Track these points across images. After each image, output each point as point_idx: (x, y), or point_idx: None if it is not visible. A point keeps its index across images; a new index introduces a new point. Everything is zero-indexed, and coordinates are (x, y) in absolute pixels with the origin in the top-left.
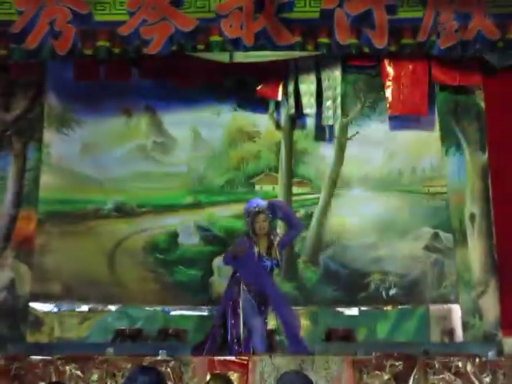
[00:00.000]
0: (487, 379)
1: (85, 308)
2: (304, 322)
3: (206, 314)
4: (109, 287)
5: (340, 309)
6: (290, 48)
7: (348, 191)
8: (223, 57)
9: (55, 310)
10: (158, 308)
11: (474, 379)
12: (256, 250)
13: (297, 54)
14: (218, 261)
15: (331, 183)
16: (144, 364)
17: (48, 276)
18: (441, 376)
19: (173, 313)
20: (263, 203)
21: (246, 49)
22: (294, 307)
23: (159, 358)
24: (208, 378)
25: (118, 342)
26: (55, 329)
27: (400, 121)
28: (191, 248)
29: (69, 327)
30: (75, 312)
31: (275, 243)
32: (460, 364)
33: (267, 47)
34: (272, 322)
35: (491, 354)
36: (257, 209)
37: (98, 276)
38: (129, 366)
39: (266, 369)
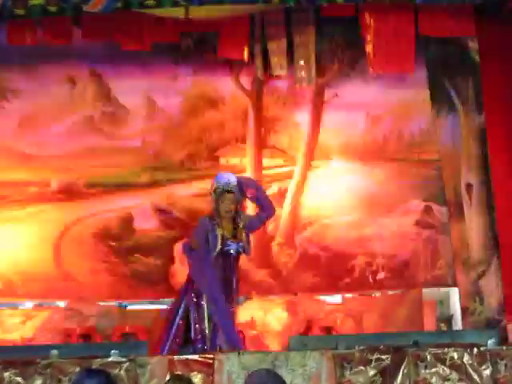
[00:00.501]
0: (487, 371)
1: (28, 305)
2: (281, 314)
3: (167, 307)
4: (55, 281)
5: (321, 297)
6: (253, 0)
7: (327, 162)
8: (177, 12)
9: None
10: (113, 303)
11: (471, 372)
12: (219, 232)
13: (261, 6)
14: (179, 247)
15: (307, 154)
16: (93, 367)
17: None
18: (434, 369)
19: (130, 308)
20: (234, 180)
21: (202, 2)
22: (269, 296)
23: (111, 359)
24: (167, 379)
25: (67, 343)
26: None
27: (383, 80)
28: (149, 233)
29: (10, 328)
30: (17, 310)
31: (240, 225)
32: (456, 355)
33: (227, 0)
34: (243, 315)
35: (491, 343)
36: (226, 187)
37: (42, 268)
38: (76, 369)
39: (234, 368)
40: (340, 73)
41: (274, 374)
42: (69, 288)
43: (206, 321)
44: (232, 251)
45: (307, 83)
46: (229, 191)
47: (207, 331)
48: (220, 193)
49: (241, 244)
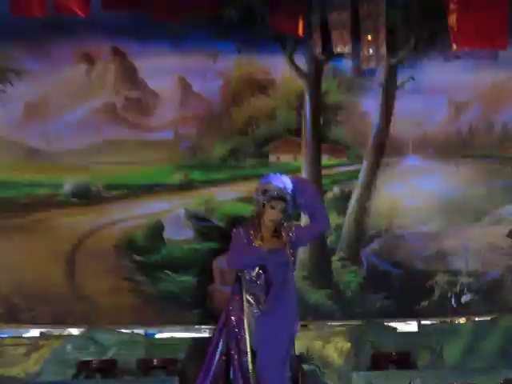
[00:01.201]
0: None
1: (34, 333)
2: (343, 344)
3: (204, 336)
4: (68, 303)
5: (392, 324)
6: None
7: (400, 160)
8: None
9: None
10: (138, 330)
11: None
12: (257, 243)
13: None
14: (219, 262)
15: (376, 150)
16: None
17: None
18: None
19: (158, 336)
20: (291, 187)
21: None
22: (328, 323)
23: None
24: None
25: (81, 379)
26: None
27: (470, 59)
28: (182, 245)
29: (12, 360)
30: (21, 339)
31: (284, 235)
32: None
33: None
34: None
35: None
36: (280, 193)
37: (52, 288)
38: None
39: None
40: (416, 50)
41: None
42: (84, 312)
43: (249, 355)
44: (275, 266)
45: (376, 63)
46: (282, 199)
47: (250, 368)
48: (270, 199)
49: (285, 257)
